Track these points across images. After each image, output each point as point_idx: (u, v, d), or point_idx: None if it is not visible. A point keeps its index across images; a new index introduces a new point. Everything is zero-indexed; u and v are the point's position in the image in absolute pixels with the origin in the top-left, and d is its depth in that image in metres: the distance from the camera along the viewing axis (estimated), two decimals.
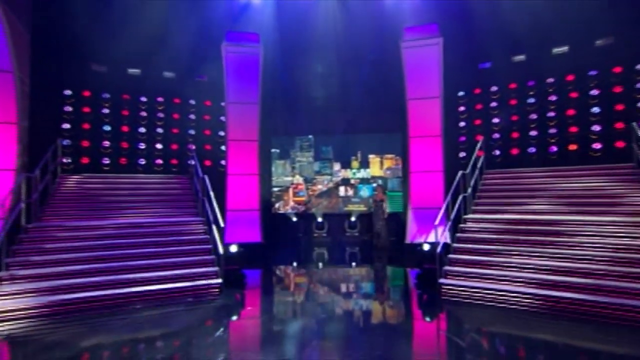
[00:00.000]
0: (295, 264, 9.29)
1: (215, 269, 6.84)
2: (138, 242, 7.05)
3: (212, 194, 7.53)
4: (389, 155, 11.76)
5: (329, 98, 11.48)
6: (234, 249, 7.42)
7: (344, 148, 11.97)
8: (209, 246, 7.22)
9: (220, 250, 6.79)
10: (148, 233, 7.36)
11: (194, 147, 10.39)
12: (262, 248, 9.79)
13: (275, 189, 12.10)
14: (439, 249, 6.31)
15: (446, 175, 9.26)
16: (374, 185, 11.02)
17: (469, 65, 9.98)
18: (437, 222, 6.56)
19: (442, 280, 6.24)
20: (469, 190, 7.59)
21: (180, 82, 10.56)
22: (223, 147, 10.36)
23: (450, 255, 6.62)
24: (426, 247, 7.26)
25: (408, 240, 9.34)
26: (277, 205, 12.06)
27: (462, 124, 10.27)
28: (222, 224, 6.93)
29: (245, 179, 10.23)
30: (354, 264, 9.34)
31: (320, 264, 9.22)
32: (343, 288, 7.06)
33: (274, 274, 8.54)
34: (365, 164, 11.82)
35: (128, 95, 10.17)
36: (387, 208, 10.43)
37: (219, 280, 6.66)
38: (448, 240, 7.05)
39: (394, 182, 11.62)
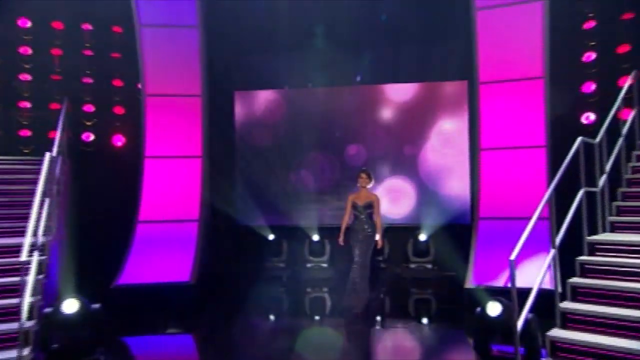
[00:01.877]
0: (259, 325, 7.64)
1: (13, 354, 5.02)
2: None
3: (55, 189, 6.49)
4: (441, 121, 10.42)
5: (335, 25, 10.20)
6: (69, 307, 5.57)
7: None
8: (32, 300, 5.65)
9: (26, 303, 5.15)
10: None
11: (92, 109, 9.56)
12: (192, 293, 8.38)
13: None
14: (521, 318, 4.21)
15: (553, 154, 7.92)
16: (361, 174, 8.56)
17: None
18: (513, 255, 4.16)
19: None
20: (602, 181, 5.74)
21: None
22: None
23: (555, 334, 4.58)
24: (494, 309, 4.97)
25: (472, 283, 7.75)
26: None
27: (590, 55, 8.56)
28: (36, 256, 5.36)
29: (177, 165, 9.18)
30: (378, 323, 7.65)
31: (316, 318, 8.07)
32: None
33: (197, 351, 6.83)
34: None
35: None
36: (381, 224, 7.87)
37: None
38: (550, 286, 5.39)
39: (448, 169, 10.07)
